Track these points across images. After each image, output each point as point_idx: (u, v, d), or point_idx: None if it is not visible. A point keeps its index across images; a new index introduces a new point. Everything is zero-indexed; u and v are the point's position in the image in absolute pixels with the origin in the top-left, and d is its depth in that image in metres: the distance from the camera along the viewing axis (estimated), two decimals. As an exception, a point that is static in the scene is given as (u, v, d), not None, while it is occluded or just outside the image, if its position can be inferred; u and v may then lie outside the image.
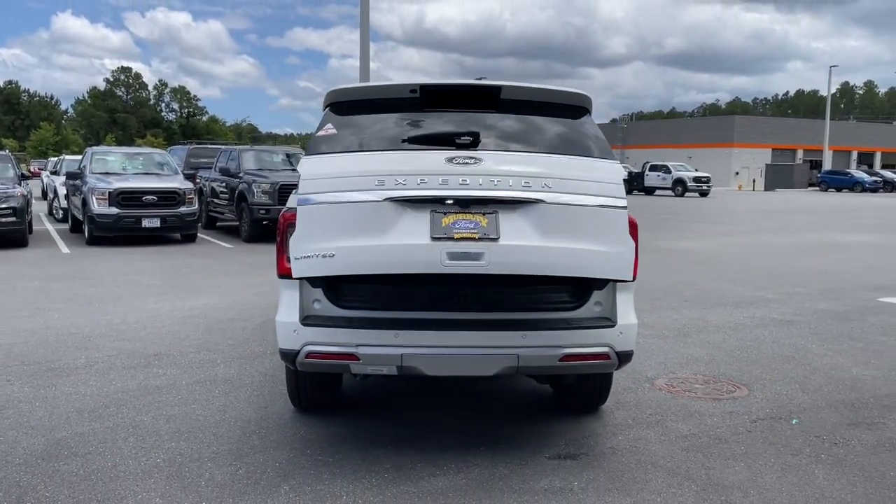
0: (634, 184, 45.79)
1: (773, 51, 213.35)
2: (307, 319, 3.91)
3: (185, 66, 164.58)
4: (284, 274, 3.95)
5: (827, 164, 64.45)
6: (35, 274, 10.79)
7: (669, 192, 43.46)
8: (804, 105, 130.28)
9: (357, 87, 4.49)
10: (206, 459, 4.11)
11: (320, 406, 4.88)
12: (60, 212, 19.27)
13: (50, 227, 17.91)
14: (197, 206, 15.44)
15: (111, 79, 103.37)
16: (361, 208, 3.72)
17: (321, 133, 4.13)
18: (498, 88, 4.22)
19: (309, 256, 3.71)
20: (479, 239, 3.67)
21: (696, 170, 46.16)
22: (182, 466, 4.02)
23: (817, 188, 56.89)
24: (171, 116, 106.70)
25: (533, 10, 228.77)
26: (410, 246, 3.68)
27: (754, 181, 58.92)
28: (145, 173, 16.07)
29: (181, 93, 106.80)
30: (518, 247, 3.70)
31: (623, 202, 3.92)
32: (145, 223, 14.17)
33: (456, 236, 3.67)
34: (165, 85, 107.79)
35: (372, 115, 4.28)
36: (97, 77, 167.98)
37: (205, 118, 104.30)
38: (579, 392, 4.83)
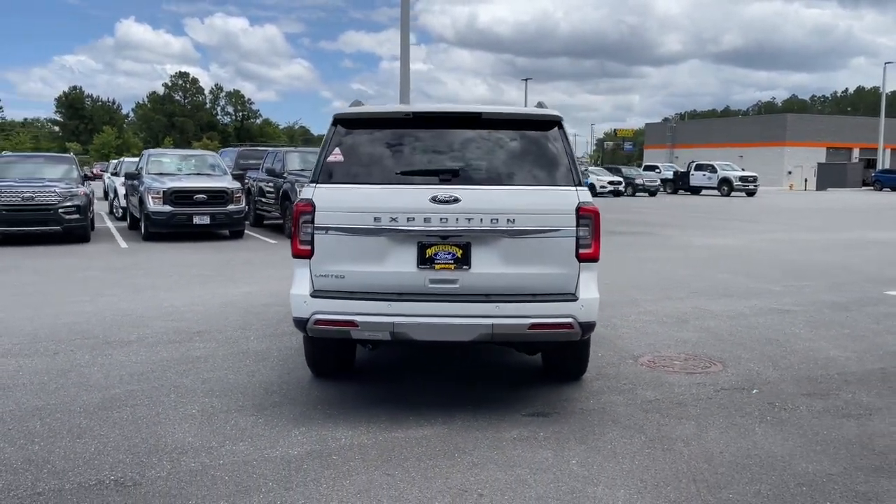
0: (679, 183, 45.73)
1: (836, 47, 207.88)
2: (315, 292, 4.68)
3: (242, 71, 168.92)
4: (297, 254, 4.74)
5: (883, 163, 63.04)
6: (96, 265, 11.84)
7: (715, 192, 43.31)
8: (864, 103, 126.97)
9: (362, 110, 5.18)
10: (233, 411, 4.88)
11: (334, 372, 5.63)
12: (120, 210, 20.53)
13: (110, 225, 19.15)
14: (244, 204, 16.39)
15: (170, 83, 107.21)
16: (363, 240, 4.65)
17: (331, 159, 4.86)
18: (479, 113, 4.92)
19: (325, 276, 4.70)
20: (455, 269, 4.59)
21: (743, 169, 45.86)
22: (213, 416, 4.80)
23: (871, 188, 55.76)
24: (227, 120, 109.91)
25: (587, 9, 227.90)
26: (401, 273, 4.65)
27: (806, 181, 58.05)
28: (197, 174, 17.13)
29: (236, 97, 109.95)
30: (485, 273, 4.64)
31: (570, 229, 4.65)
32: (196, 220, 15.20)
33: (436, 266, 4.61)
34: (221, 89, 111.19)
35: (373, 132, 4.99)
36: (157, 82, 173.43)
37: (258, 121, 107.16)
38: (560, 362, 5.48)
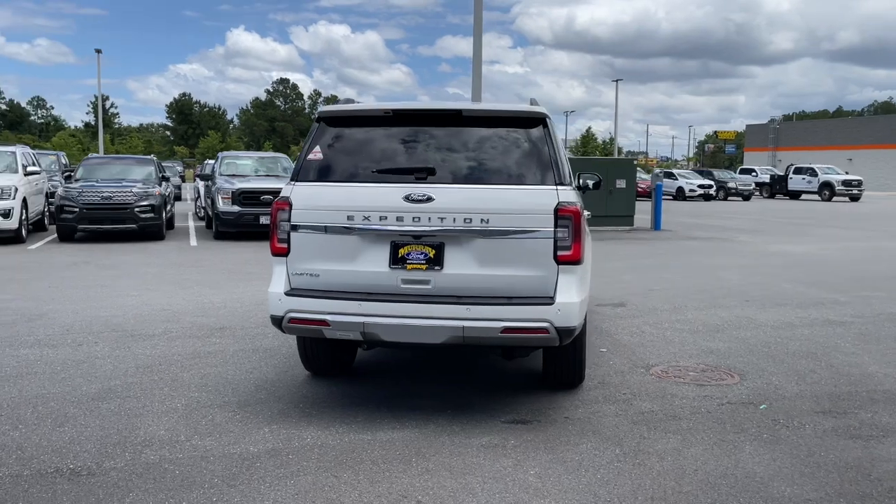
0: (777, 187, 43.73)
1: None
2: (291, 291, 4.67)
3: (343, 76, 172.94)
4: (275, 252, 4.75)
5: None
6: (158, 262, 12.33)
7: (816, 197, 41.14)
8: None
9: (345, 107, 5.12)
10: (215, 406, 4.94)
11: (330, 371, 5.61)
12: (202, 210, 21.35)
13: (191, 224, 19.94)
14: None
15: (271, 90, 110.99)
16: (337, 239, 4.60)
17: (311, 157, 4.84)
18: (459, 110, 4.79)
19: (301, 274, 4.68)
20: (428, 269, 4.47)
21: (847, 172, 43.41)
22: (194, 410, 4.86)
23: None
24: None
25: (690, 8, 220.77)
26: (374, 273, 4.57)
27: (922, 185, 54.38)
28: (267, 175, 17.61)
29: (332, 102, 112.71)
30: (457, 275, 4.50)
31: (548, 230, 4.44)
32: (262, 220, 15.59)
33: (408, 267, 4.51)
34: (319, 94, 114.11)
35: (355, 130, 4.94)
36: (262, 88, 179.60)
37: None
38: (553, 369, 5.27)
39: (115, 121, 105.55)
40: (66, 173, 18.17)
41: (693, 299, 9.22)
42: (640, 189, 27.51)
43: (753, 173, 46.58)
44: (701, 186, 38.96)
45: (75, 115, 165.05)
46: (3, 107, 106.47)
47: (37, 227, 16.80)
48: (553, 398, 5.16)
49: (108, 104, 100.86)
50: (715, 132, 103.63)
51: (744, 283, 10.60)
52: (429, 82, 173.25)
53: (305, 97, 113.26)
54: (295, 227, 4.68)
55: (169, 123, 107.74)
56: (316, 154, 4.82)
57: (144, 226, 15.35)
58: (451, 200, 4.51)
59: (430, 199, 4.50)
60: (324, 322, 4.57)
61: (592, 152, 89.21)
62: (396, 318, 4.48)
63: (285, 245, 4.71)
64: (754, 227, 21.42)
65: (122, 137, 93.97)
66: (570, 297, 4.51)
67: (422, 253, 4.53)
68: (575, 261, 4.52)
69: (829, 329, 7.53)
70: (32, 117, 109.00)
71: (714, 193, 39.46)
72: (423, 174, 4.61)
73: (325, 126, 4.92)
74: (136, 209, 15.19)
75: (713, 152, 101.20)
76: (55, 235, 15.63)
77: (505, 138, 4.75)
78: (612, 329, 7.43)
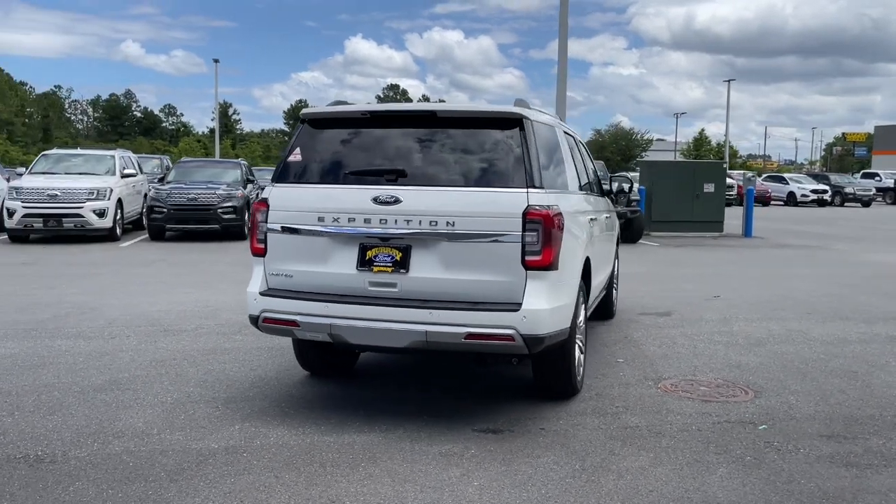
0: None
1: None
2: (267, 291, 4.73)
3: (456, 81, 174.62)
4: (254, 252, 4.83)
5: None
6: (226, 260, 12.81)
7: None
8: None
9: (325, 109, 5.13)
10: (201, 402, 5.06)
11: (324, 371, 5.64)
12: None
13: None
14: None
15: (382, 95, 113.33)
16: (309, 240, 4.62)
17: (291, 158, 4.88)
18: (433, 111, 4.69)
19: (277, 275, 4.74)
20: (393, 271, 4.42)
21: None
22: (180, 405, 5.00)
23: None
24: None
25: (821, 3, 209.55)
26: (342, 274, 4.55)
27: None
28: None
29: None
30: (423, 278, 4.42)
31: (516, 234, 4.29)
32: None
33: (375, 269, 4.47)
34: (427, 99, 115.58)
35: (335, 132, 4.93)
36: (375, 94, 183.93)
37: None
38: (539, 378, 5.09)
39: (237, 127, 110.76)
40: (161, 176, 19.19)
41: (749, 310, 8.71)
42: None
43: (876, 178, 43.59)
44: (814, 191, 36.87)
45: (204, 122, 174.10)
46: (139, 114, 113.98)
47: (135, 227, 17.81)
48: (539, 408, 4.98)
49: (230, 111, 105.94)
50: (843, 134, 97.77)
51: (816, 295, 9.92)
52: (540, 85, 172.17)
53: (415, 102, 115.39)
54: (271, 228, 4.73)
55: (286, 129, 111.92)
56: (296, 155, 4.86)
57: (227, 226, 15.99)
58: (418, 202, 4.44)
59: (397, 201, 4.45)
60: (294, 323, 4.61)
61: (706, 155, 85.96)
62: (361, 320, 4.46)
63: (263, 245, 4.78)
64: (857, 235, 20.05)
65: (244, 142, 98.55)
66: (539, 304, 4.34)
67: (389, 255, 4.48)
68: (545, 266, 4.35)
69: (886, 346, 6.93)
70: (164, 124, 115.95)
71: (829, 199, 37.22)
72: (394, 176, 4.56)
73: (308, 128, 4.95)
74: (220, 210, 15.85)
75: (841, 155, 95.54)
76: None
77: (478, 140, 4.63)
78: (642, 339, 7.12)
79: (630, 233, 17.26)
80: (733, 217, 20.41)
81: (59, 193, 15.03)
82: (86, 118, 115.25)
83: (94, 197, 15.23)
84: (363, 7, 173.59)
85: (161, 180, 17.85)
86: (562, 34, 20.80)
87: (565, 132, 5.90)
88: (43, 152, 18.44)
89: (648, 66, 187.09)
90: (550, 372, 5.00)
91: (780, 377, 5.84)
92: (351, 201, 4.54)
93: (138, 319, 7.71)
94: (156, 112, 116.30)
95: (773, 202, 37.18)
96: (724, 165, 20.63)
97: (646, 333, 7.36)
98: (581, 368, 5.37)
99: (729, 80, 60.20)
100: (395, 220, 4.44)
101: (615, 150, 79.35)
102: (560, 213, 4.50)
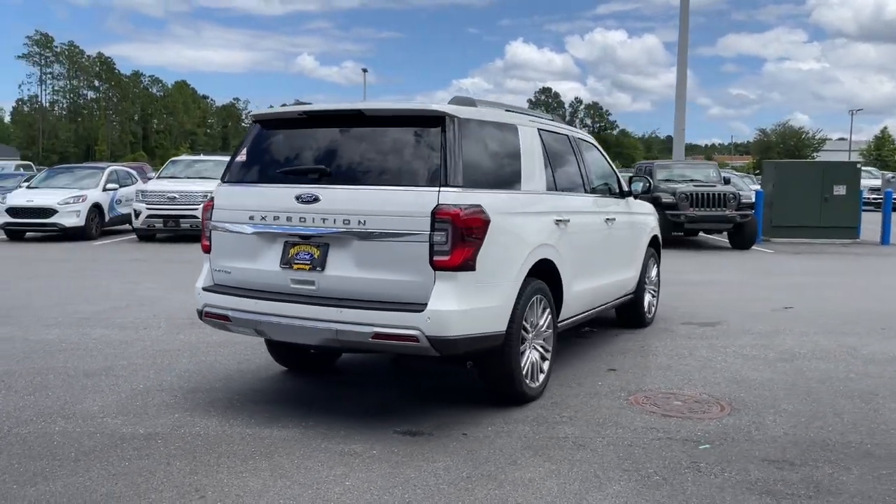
0: None
1: None
2: (210, 287, 4.93)
3: (618, 82, 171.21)
4: (203, 249, 5.05)
5: None
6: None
7: None
8: None
9: (272, 111, 5.26)
10: (166, 390, 5.33)
11: (294, 366, 5.78)
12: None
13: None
14: None
15: (533, 99, 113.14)
16: (242, 238, 4.80)
17: (238, 158, 5.06)
18: (360, 110, 4.70)
19: (219, 271, 4.96)
20: (311, 269, 4.49)
21: None
22: (145, 392, 5.29)
23: None
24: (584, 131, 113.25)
25: None
26: (269, 272, 4.68)
27: None
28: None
29: (594, 108, 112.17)
30: (337, 276, 4.45)
31: (424, 233, 4.22)
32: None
33: (295, 267, 4.56)
34: (580, 102, 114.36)
35: (278, 132, 5.05)
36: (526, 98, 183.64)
37: (615, 132, 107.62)
38: (485, 383, 4.94)
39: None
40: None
41: (812, 323, 7.95)
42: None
43: None
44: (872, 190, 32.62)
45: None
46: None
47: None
48: (480, 413, 4.83)
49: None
50: None
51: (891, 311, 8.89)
52: (710, 83, 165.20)
53: (566, 105, 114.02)
54: (214, 226, 4.92)
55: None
56: (242, 156, 5.03)
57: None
58: (335, 201, 4.46)
59: (316, 200, 4.50)
60: (226, 318, 4.77)
61: (889, 157, 78.86)
62: (282, 317, 4.54)
63: (208, 243, 4.98)
64: None
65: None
66: (447, 305, 4.22)
67: (308, 254, 4.53)
68: (454, 267, 4.23)
69: (940, 367, 6.11)
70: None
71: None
72: (317, 175, 4.61)
73: (258, 128, 5.10)
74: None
75: None
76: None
77: (401, 138, 4.58)
78: (658, 349, 6.71)
79: (740, 238, 16.25)
80: (874, 222, 18.63)
81: (177, 196, 16.27)
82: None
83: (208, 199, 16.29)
84: (525, 11, 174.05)
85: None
86: (682, 36, 19.89)
87: (547, 130, 5.69)
88: (171, 159, 19.99)
89: (832, 60, 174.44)
90: (489, 376, 4.85)
91: (778, 395, 5.31)
92: (278, 200, 4.64)
93: (181, 312, 8.20)
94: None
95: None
96: (858, 165, 18.82)
97: (668, 343, 6.92)
98: (542, 375, 5.15)
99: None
100: (314, 219, 4.49)
101: (782, 150, 74.61)
102: (480, 213, 4.35)
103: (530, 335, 4.99)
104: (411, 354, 4.56)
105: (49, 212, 16.59)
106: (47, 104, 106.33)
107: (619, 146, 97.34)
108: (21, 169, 29.61)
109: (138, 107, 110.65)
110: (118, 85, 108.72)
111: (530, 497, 3.62)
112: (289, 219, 4.58)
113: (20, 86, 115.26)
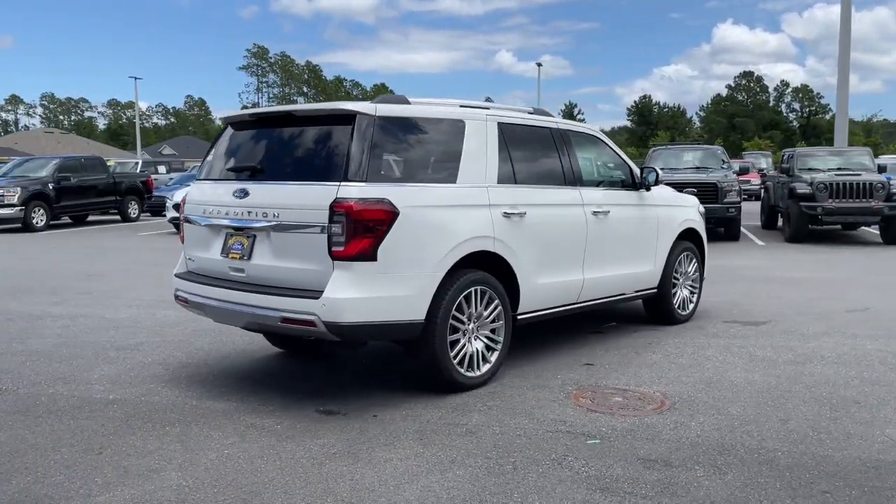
0: None
1: None
2: (182, 273, 5.55)
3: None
4: (181, 240, 5.66)
5: None
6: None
7: None
8: None
9: (235, 114, 5.68)
10: (166, 365, 5.99)
11: (287, 346, 6.27)
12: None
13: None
14: (738, 200, 15.24)
15: (732, 84, 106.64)
16: (199, 230, 5.38)
17: (207, 158, 5.66)
18: (290, 112, 5.10)
19: (189, 259, 5.56)
20: (241, 258, 4.99)
21: None
22: (147, 365, 6.00)
23: None
24: (792, 117, 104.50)
25: None
26: (215, 260, 5.23)
27: None
28: (696, 168, 16.76)
29: (803, 92, 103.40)
30: (260, 265, 4.90)
31: (323, 226, 4.52)
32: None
33: (230, 256, 5.07)
34: (787, 85, 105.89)
35: (238, 133, 5.52)
36: (730, 83, 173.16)
37: (828, 116, 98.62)
38: (420, 370, 5.14)
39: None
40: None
41: (877, 327, 7.24)
42: None
43: None
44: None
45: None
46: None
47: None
48: (412, 398, 5.02)
49: (575, 111, 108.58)
50: None
51: None
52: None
53: (770, 89, 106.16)
54: (186, 218, 5.51)
55: (629, 125, 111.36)
56: (210, 155, 5.58)
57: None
58: (259, 196, 4.87)
59: (246, 195, 4.93)
60: (186, 301, 5.35)
61: None
62: (220, 301, 5.03)
63: (182, 234, 5.58)
64: None
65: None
66: (343, 293, 4.48)
67: (240, 244, 4.99)
68: (351, 257, 4.48)
69: (975, 378, 5.41)
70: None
71: None
72: (250, 172, 5.05)
73: (229, 129, 5.62)
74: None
75: None
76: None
77: (319, 137, 4.89)
78: (662, 346, 6.47)
79: (891, 233, 14.69)
80: None
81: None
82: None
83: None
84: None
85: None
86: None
87: (513, 124, 5.68)
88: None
89: None
90: (419, 362, 5.03)
91: (739, 398, 5.01)
92: (222, 195, 5.13)
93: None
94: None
95: None
96: None
97: (680, 341, 6.64)
98: (487, 365, 5.25)
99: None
100: (243, 213, 4.94)
101: None
102: (383, 205, 4.55)
103: (468, 325, 5.10)
104: (313, 337, 4.87)
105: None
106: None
107: (832, 132, 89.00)
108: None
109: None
110: (324, 90, 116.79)
111: (370, 474, 3.82)
112: (227, 213, 5.06)
113: (240, 94, 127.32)
